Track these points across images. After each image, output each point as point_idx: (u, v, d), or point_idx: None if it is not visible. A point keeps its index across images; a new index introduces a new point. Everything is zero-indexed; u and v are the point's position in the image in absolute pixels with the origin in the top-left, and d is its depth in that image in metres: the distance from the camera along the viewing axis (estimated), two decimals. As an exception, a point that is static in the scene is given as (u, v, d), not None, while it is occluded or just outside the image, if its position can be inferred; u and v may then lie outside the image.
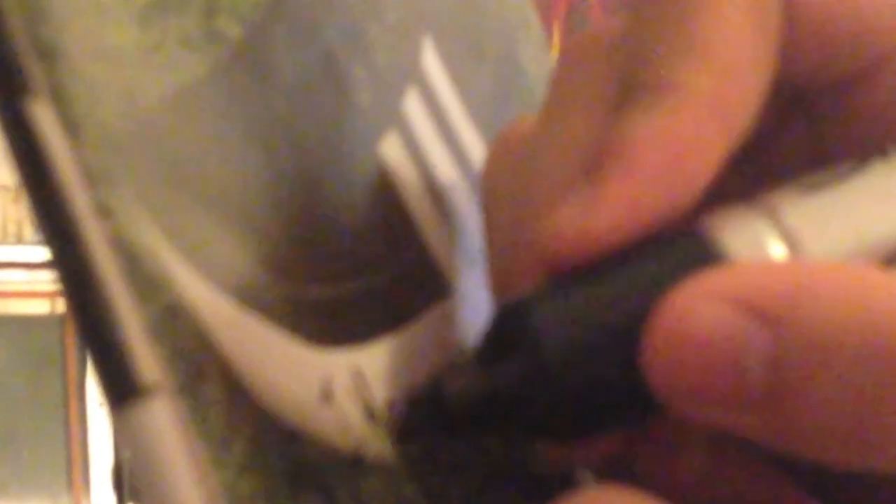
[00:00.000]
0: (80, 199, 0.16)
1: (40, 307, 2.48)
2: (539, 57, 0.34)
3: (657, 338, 0.18)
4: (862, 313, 0.17)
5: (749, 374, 0.18)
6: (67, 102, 0.17)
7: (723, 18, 0.21)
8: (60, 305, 2.52)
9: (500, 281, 0.23)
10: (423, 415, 0.22)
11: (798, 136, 0.24)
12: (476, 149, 0.29)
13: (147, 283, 0.18)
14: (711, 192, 0.21)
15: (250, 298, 0.20)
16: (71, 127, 0.17)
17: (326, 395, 0.21)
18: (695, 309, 0.18)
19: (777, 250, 0.20)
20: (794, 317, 0.17)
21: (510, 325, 0.21)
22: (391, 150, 0.26)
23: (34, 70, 0.16)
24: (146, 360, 0.16)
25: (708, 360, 0.18)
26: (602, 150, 0.20)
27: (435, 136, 0.28)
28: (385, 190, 0.25)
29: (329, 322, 0.22)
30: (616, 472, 0.23)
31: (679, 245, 0.20)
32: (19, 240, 2.44)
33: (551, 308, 0.20)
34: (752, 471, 0.23)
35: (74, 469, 2.43)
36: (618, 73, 0.22)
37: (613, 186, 0.20)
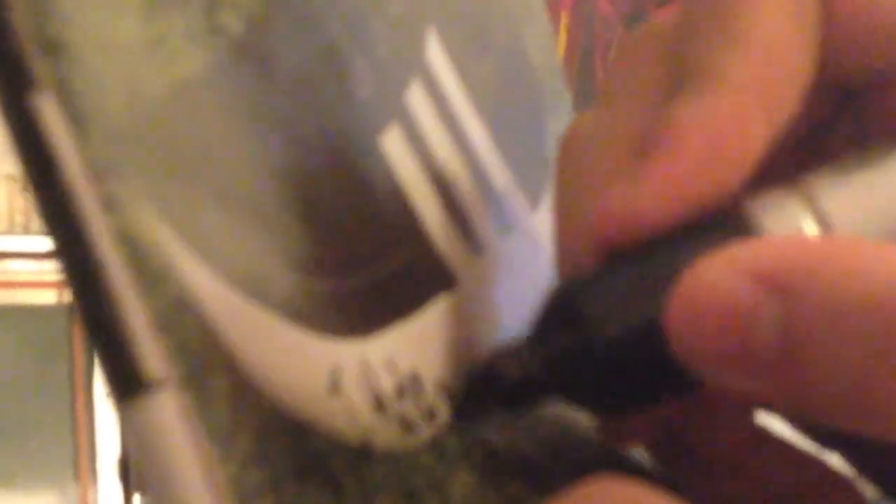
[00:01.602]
0: (85, 193, 0.16)
1: (48, 297, 2.49)
2: (545, 47, 0.34)
3: (677, 303, 0.19)
4: (862, 284, 0.18)
5: (761, 340, 0.19)
6: (73, 96, 0.17)
7: (764, 12, 0.22)
8: (68, 295, 2.52)
9: (562, 262, 0.24)
10: (481, 392, 0.23)
11: (846, 132, 0.24)
12: (481, 140, 0.29)
13: (153, 277, 0.18)
14: (763, 182, 0.22)
15: (257, 291, 0.20)
16: (76, 120, 0.17)
17: (335, 386, 0.21)
18: (713, 277, 0.19)
19: (810, 228, 0.21)
20: (804, 287, 0.18)
21: (561, 305, 0.22)
22: (393, 143, 0.26)
23: (39, 64, 0.16)
24: (152, 354, 0.16)
25: (722, 325, 0.19)
26: (650, 134, 0.21)
27: (439, 128, 0.28)
28: (387, 182, 0.25)
29: (336, 313, 0.22)
30: (667, 448, 0.25)
31: (720, 225, 0.21)
32: (27, 230, 2.45)
33: (599, 288, 0.22)
34: (791, 455, 0.24)
35: (81, 459, 2.44)
36: (668, 64, 0.23)
37: (658, 168, 0.21)
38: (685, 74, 0.22)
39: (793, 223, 0.21)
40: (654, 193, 0.21)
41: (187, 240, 0.19)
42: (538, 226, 0.30)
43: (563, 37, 1.68)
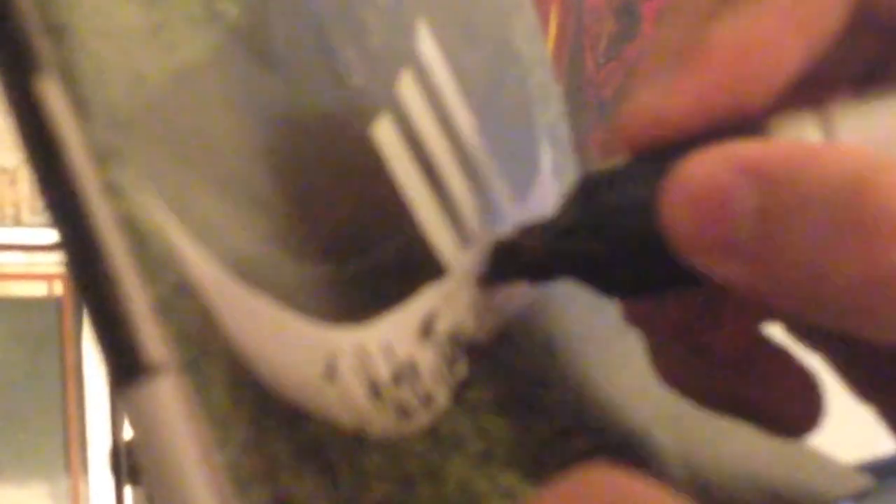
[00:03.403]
0: (88, 178, 0.16)
1: (38, 289, 2.48)
2: (532, 39, 0.34)
3: (669, 188, 0.21)
4: (825, 178, 0.20)
5: (740, 224, 0.20)
6: (76, 80, 0.17)
7: None
8: (58, 288, 2.52)
9: (601, 157, 0.25)
10: (504, 262, 0.26)
11: None
12: (470, 132, 0.29)
13: (154, 262, 0.18)
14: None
15: (254, 277, 0.20)
16: (79, 104, 0.17)
17: (330, 373, 0.21)
18: (703, 166, 0.21)
19: (813, 138, 0.22)
20: (781, 178, 0.20)
21: (582, 192, 0.24)
22: (385, 132, 0.26)
23: (43, 47, 0.16)
24: (152, 338, 0.16)
25: (706, 209, 0.21)
26: (686, 48, 0.23)
27: (430, 118, 0.28)
28: (379, 172, 0.25)
29: (331, 300, 0.22)
30: (676, 341, 0.26)
31: (738, 133, 0.22)
32: (17, 222, 2.44)
33: (614, 179, 0.23)
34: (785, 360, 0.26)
35: (72, 451, 2.43)
36: None
37: (687, 78, 0.22)
38: None
39: (799, 132, 0.22)
40: (680, 101, 0.22)
41: (187, 225, 0.19)
42: (522, 218, 0.30)
43: (552, 29, 1.68)
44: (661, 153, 0.23)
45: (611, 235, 0.23)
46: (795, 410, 0.26)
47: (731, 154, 0.21)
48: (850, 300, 0.20)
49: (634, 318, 0.26)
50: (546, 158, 0.33)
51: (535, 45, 0.35)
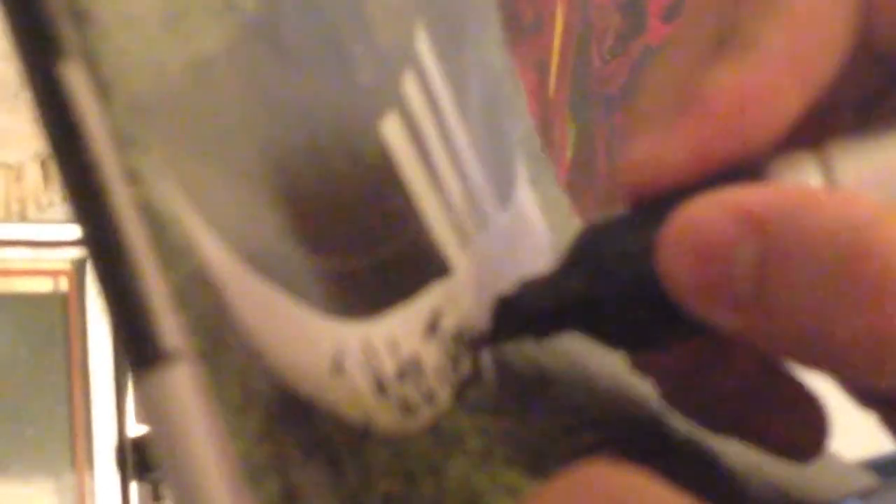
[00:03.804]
0: (109, 164, 0.16)
1: (44, 285, 2.48)
2: (500, 53, 0.34)
3: (666, 236, 0.21)
4: (827, 228, 0.19)
5: (738, 274, 0.20)
6: (99, 66, 0.17)
7: None
8: (63, 284, 2.52)
9: (601, 204, 0.25)
10: (506, 316, 0.25)
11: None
12: (461, 137, 0.29)
13: (172, 250, 0.18)
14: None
15: (268, 268, 0.20)
16: (102, 90, 0.17)
17: (338, 367, 0.21)
18: (700, 213, 0.21)
19: (815, 183, 0.22)
20: (780, 227, 0.20)
21: (582, 244, 0.24)
22: (392, 129, 0.26)
23: (68, 32, 0.16)
24: (170, 326, 0.16)
25: (701, 256, 0.20)
26: (686, 95, 0.23)
27: (429, 119, 0.28)
28: (387, 168, 0.25)
29: (340, 293, 0.22)
30: (684, 385, 0.26)
31: (737, 179, 0.22)
32: (23, 218, 2.44)
33: (613, 230, 0.23)
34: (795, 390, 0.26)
35: (77, 447, 2.44)
36: (721, 20, 0.24)
37: (685, 128, 0.22)
38: (728, 40, 0.23)
39: (801, 179, 0.22)
40: (678, 149, 0.22)
41: (204, 215, 0.19)
42: (508, 226, 0.30)
43: (559, 25, 1.68)
44: (660, 202, 0.22)
45: (611, 285, 0.23)
46: (803, 436, 0.26)
47: (730, 201, 0.20)
48: (852, 354, 0.20)
49: (642, 367, 0.26)
50: (521, 169, 0.33)
51: (503, 59, 0.35)
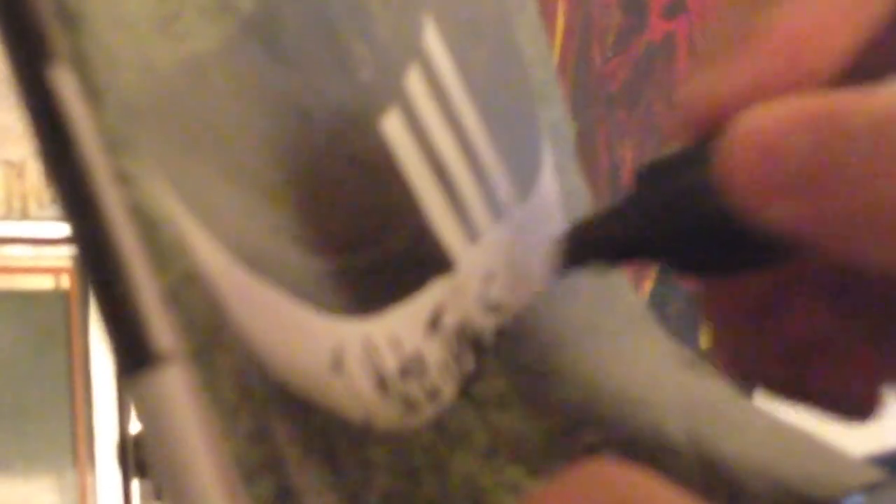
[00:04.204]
0: (99, 166, 0.16)
1: (45, 283, 2.48)
2: (535, 38, 0.34)
3: (726, 142, 0.22)
4: (872, 116, 0.21)
5: (792, 163, 0.21)
6: (89, 69, 0.17)
7: None
8: (65, 281, 2.52)
9: (667, 140, 0.26)
10: (582, 244, 0.26)
11: None
12: (475, 129, 0.29)
13: (164, 251, 0.18)
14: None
15: (263, 267, 0.20)
16: (91, 93, 0.17)
17: (337, 365, 0.21)
18: (752, 115, 0.22)
19: None
20: (830, 115, 0.21)
21: (649, 174, 0.25)
22: (394, 126, 0.26)
23: (56, 35, 0.16)
24: (161, 328, 0.16)
25: (757, 147, 0.22)
26: (742, 36, 0.24)
27: (436, 114, 0.28)
28: (388, 166, 0.25)
29: (339, 291, 0.22)
30: (748, 332, 0.26)
31: None
32: (24, 215, 2.44)
33: (672, 162, 0.24)
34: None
35: (79, 444, 2.44)
36: None
37: (743, 63, 0.23)
38: None
39: None
40: (736, 82, 0.23)
41: (197, 215, 0.19)
42: (527, 217, 0.30)
43: (560, 23, 1.68)
44: (714, 133, 0.23)
45: (677, 214, 0.24)
46: (860, 394, 0.26)
47: (785, 103, 0.22)
48: None
49: (707, 308, 0.27)
50: (548, 157, 0.33)
51: (538, 44, 0.35)
